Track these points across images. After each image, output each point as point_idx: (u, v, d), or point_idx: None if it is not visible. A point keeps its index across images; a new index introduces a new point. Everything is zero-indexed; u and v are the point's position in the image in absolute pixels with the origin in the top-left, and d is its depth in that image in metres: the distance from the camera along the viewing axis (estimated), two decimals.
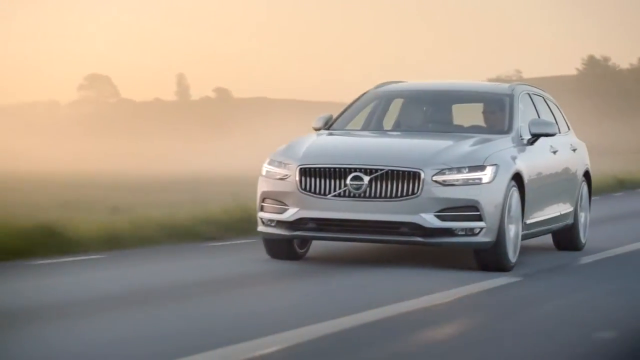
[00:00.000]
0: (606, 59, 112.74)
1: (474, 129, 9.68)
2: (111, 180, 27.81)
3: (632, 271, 9.63)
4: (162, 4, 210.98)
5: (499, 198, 8.52)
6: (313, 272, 8.53)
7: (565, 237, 10.79)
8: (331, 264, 9.06)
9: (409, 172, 8.38)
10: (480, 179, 8.47)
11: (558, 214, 10.19)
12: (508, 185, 8.64)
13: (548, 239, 10.89)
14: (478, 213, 8.40)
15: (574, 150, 10.87)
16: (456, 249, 8.90)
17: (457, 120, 10.01)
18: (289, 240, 8.85)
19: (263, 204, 8.78)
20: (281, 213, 8.62)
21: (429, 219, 8.32)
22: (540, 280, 8.69)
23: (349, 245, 10.12)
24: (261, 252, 9.07)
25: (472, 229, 8.41)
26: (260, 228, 8.83)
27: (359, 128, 9.89)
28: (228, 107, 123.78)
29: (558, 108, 11.11)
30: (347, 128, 9.77)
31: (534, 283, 8.44)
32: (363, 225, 8.43)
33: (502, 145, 9.07)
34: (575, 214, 10.71)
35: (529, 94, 10.26)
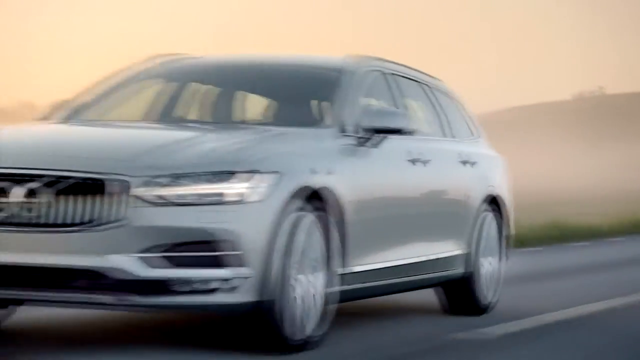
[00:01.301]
0: None
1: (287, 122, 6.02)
2: None
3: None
4: None
5: (268, 229, 4.89)
6: None
7: (456, 294, 7.05)
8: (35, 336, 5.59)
9: (94, 181, 4.78)
10: (230, 194, 4.83)
11: (424, 258, 6.45)
12: (289, 208, 4.99)
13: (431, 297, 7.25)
14: (221, 254, 4.77)
15: (467, 163, 7.12)
16: (186, 314, 5.23)
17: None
18: None
19: None
20: None
21: (130, 265, 4.68)
22: None
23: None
24: None
25: (207, 282, 4.78)
26: None
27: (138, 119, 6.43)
28: None
29: (456, 103, 7.47)
30: (94, 118, 6.18)
31: None
32: (13, 273, 4.78)
33: (295, 143, 5.46)
34: (469, 260, 6.97)
35: (383, 73, 6.53)
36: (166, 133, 5.59)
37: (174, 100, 6.52)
